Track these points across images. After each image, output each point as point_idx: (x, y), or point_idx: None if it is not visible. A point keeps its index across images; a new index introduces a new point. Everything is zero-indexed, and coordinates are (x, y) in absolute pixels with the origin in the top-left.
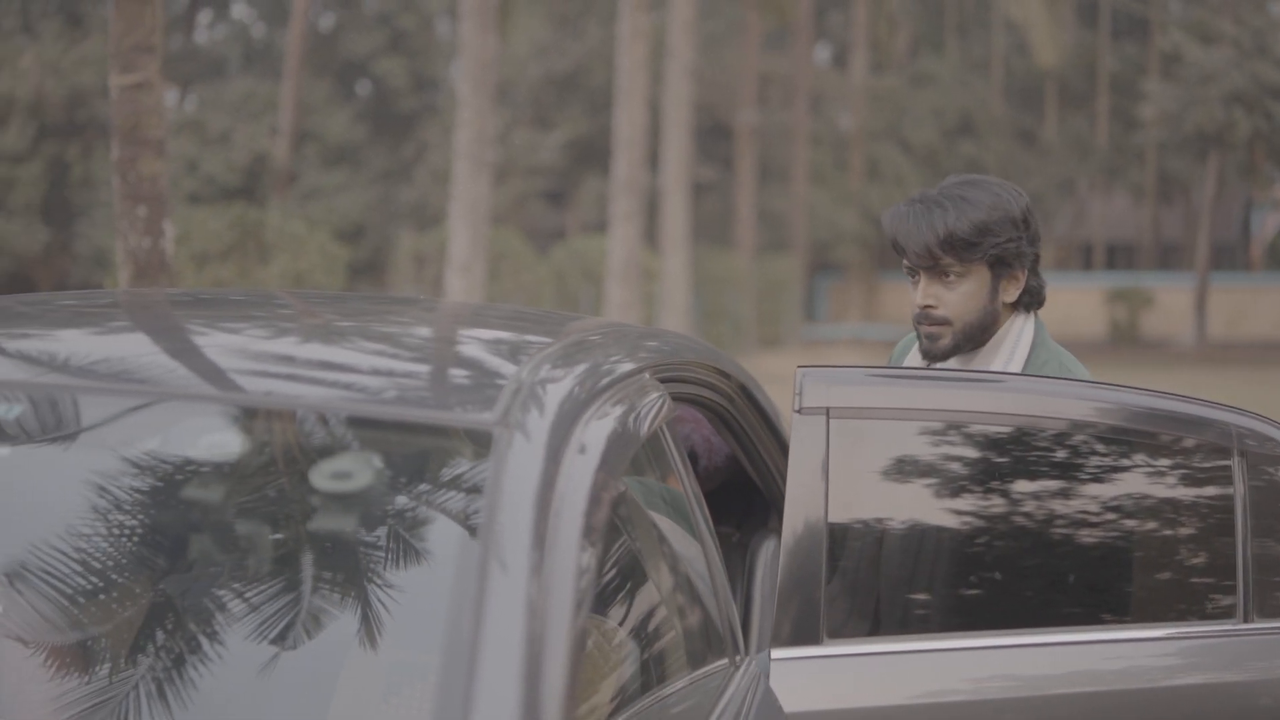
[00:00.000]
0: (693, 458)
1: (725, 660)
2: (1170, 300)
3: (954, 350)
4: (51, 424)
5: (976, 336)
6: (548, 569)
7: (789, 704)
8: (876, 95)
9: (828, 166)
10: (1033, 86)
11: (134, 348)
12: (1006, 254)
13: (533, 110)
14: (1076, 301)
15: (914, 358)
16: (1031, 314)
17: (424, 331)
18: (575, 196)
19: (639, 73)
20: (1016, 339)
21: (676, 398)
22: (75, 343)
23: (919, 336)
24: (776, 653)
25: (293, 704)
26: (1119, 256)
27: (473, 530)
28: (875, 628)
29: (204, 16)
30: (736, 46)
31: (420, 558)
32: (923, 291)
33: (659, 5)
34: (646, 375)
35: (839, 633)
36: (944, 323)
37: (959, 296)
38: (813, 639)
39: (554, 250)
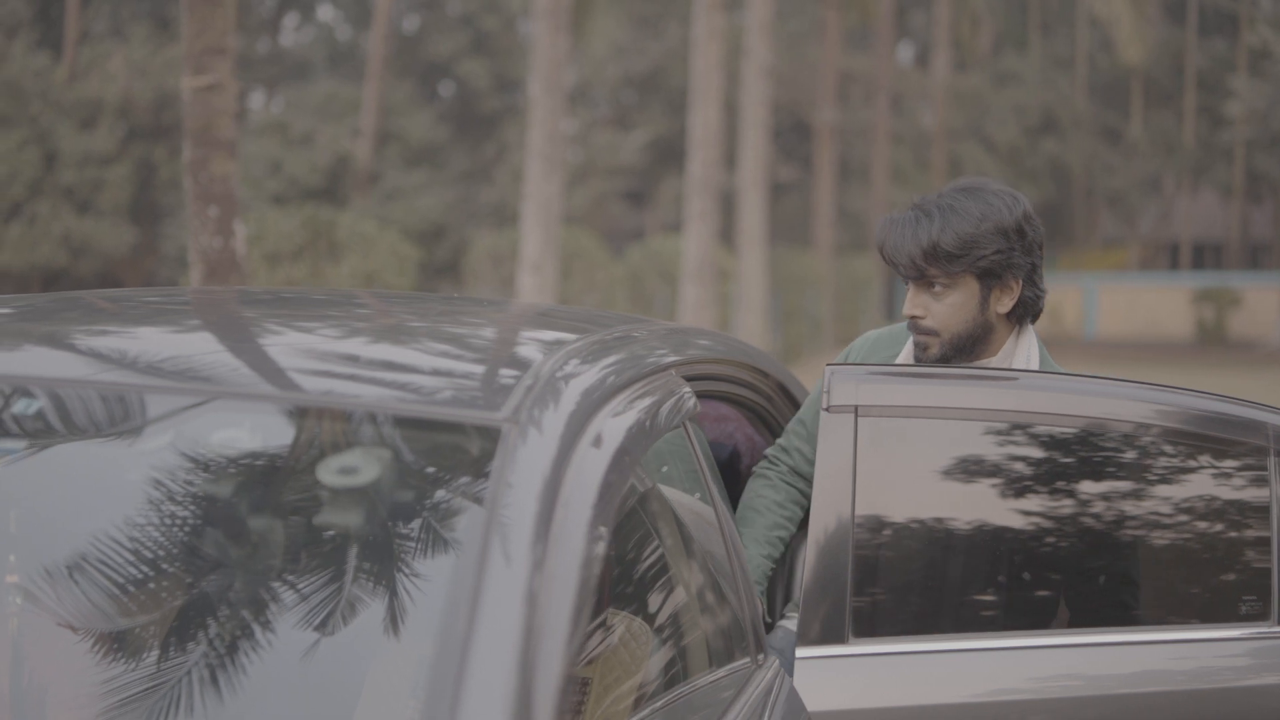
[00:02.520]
0: (735, 456)
1: (748, 659)
2: (1259, 300)
3: (943, 360)
4: (78, 420)
5: (967, 347)
6: (551, 562)
7: (814, 703)
8: (959, 93)
9: (909, 165)
10: (1118, 84)
11: (161, 345)
12: (995, 266)
13: (613, 111)
14: (1162, 301)
15: (906, 356)
16: (1030, 327)
17: (456, 330)
18: (655, 196)
19: (714, 73)
20: (1027, 356)
21: (711, 396)
22: (108, 340)
23: (914, 344)
24: (802, 651)
25: (323, 694)
26: (1206, 256)
27: (480, 524)
28: (901, 627)
29: (290, 20)
30: (817, 45)
31: (430, 552)
32: (910, 301)
33: (736, 6)
34: (671, 372)
35: (865, 632)
36: (932, 333)
37: (946, 308)
38: (838, 638)
39: (630, 250)
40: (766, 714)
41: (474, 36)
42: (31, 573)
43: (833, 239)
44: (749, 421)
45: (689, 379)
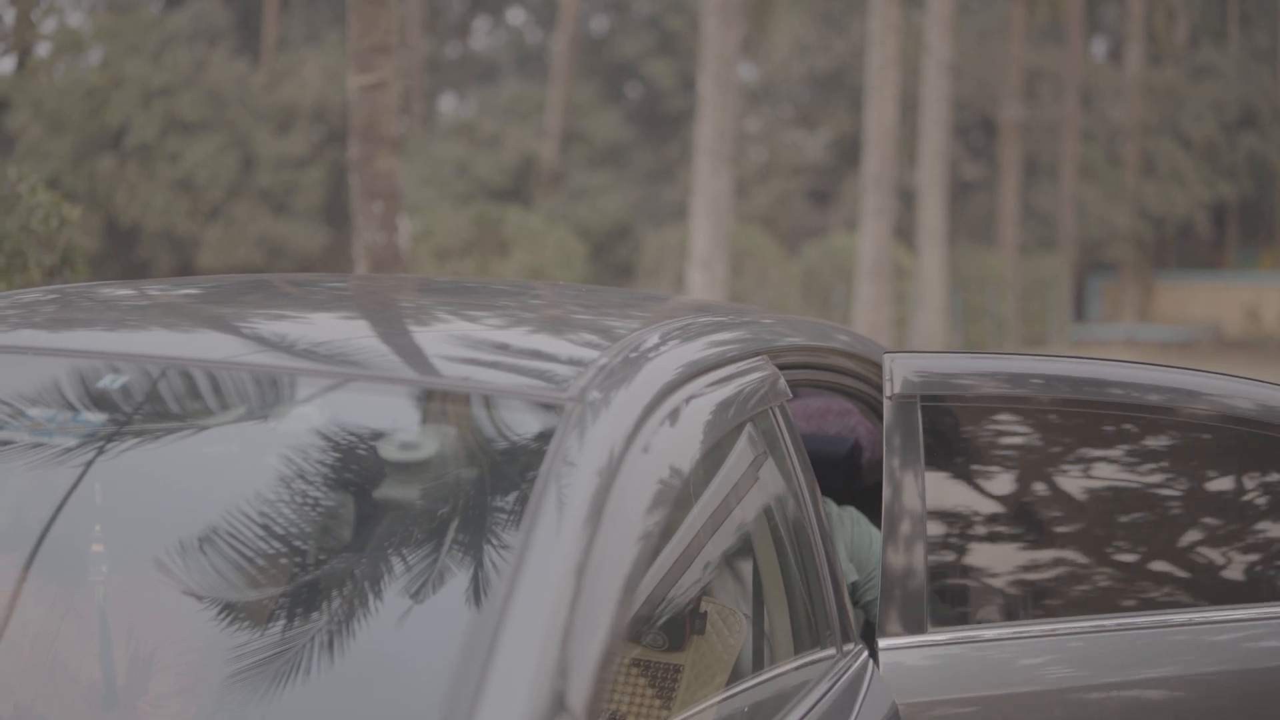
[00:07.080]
0: (857, 449)
1: (834, 649)
2: None
3: None
4: (170, 398)
5: None
6: (606, 537)
7: (895, 693)
8: (1153, 88)
9: (1099, 162)
10: None
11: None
12: None
13: (797, 109)
14: None
15: None
16: None
17: (567, 315)
18: (839, 195)
19: (890, 68)
20: None
21: (819, 385)
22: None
23: None
24: (882, 642)
25: (422, 663)
26: None
27: (536, 497)
28: (978, 615)
29: (481, 23)
30: (1002, 41)
31: (488, 527)
32: None
33: (917, 3)
34: (762, 359)
35: (944, 621)
36: None
37: None
38: (917, 628)
39: (806, 248)
40: (857, 705)
41: (660, 37)
42: (144, 545)
43: (1017, 237)
44: (864, 414)
45: (815, 368)
